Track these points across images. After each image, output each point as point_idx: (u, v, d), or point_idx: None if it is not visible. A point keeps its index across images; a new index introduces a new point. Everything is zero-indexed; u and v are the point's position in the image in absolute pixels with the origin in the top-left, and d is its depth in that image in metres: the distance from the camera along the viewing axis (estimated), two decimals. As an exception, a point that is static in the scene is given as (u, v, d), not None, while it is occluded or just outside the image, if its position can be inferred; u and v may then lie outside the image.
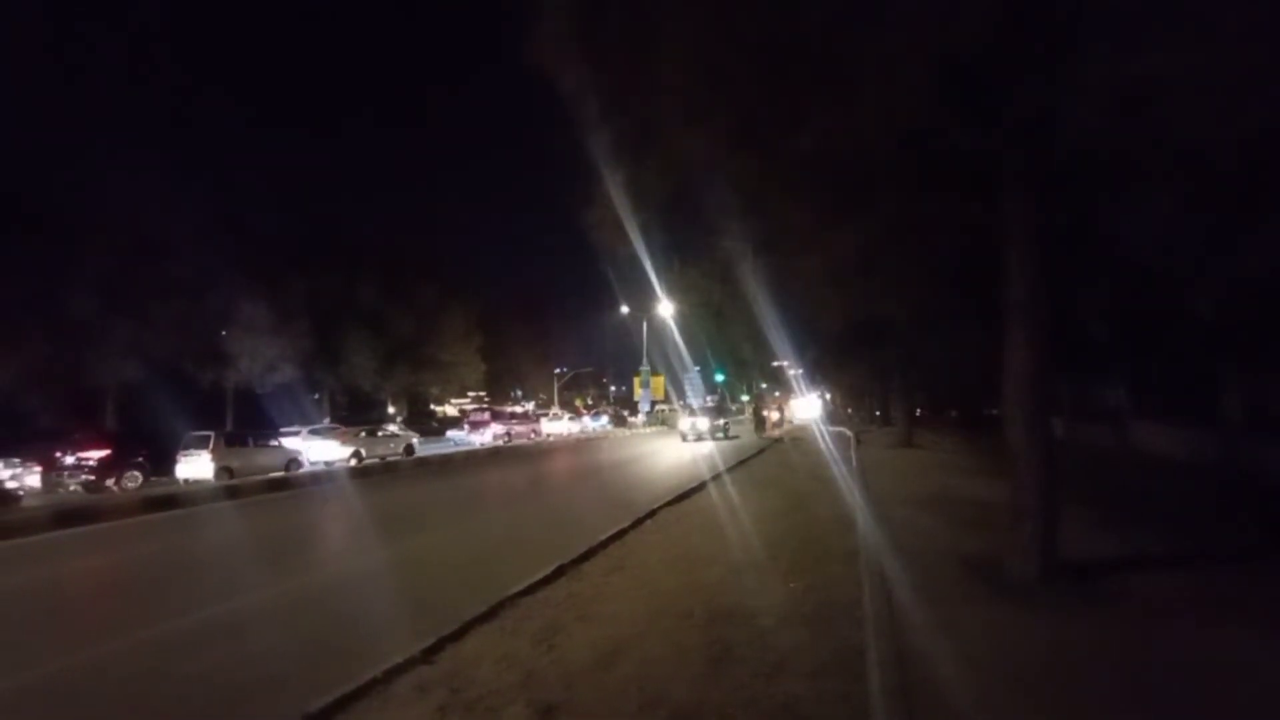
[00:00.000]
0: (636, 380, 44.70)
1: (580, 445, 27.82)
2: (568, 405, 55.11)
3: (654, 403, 45.94)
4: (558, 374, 54.75)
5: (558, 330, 55.10)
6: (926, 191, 5.74)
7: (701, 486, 11.51)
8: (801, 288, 10.28)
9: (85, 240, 24.23)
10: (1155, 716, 3.28)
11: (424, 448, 24.45)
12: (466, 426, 31.97)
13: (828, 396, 56.08)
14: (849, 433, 25.76)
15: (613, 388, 72.09)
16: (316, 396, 36.59)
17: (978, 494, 9.49)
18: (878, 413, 38.41)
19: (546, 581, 5.77)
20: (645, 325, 41.10)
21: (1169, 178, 4.97)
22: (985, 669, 3.72)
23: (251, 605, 5.79)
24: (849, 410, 50.17)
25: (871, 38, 4.40)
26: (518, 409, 42.76)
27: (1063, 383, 18.07)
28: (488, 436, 29.17)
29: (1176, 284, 7.40)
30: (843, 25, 4.48)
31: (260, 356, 29.17)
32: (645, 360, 42.99)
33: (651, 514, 8.95)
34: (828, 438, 22.87)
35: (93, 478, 16.33)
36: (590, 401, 64.49)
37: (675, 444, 24.20)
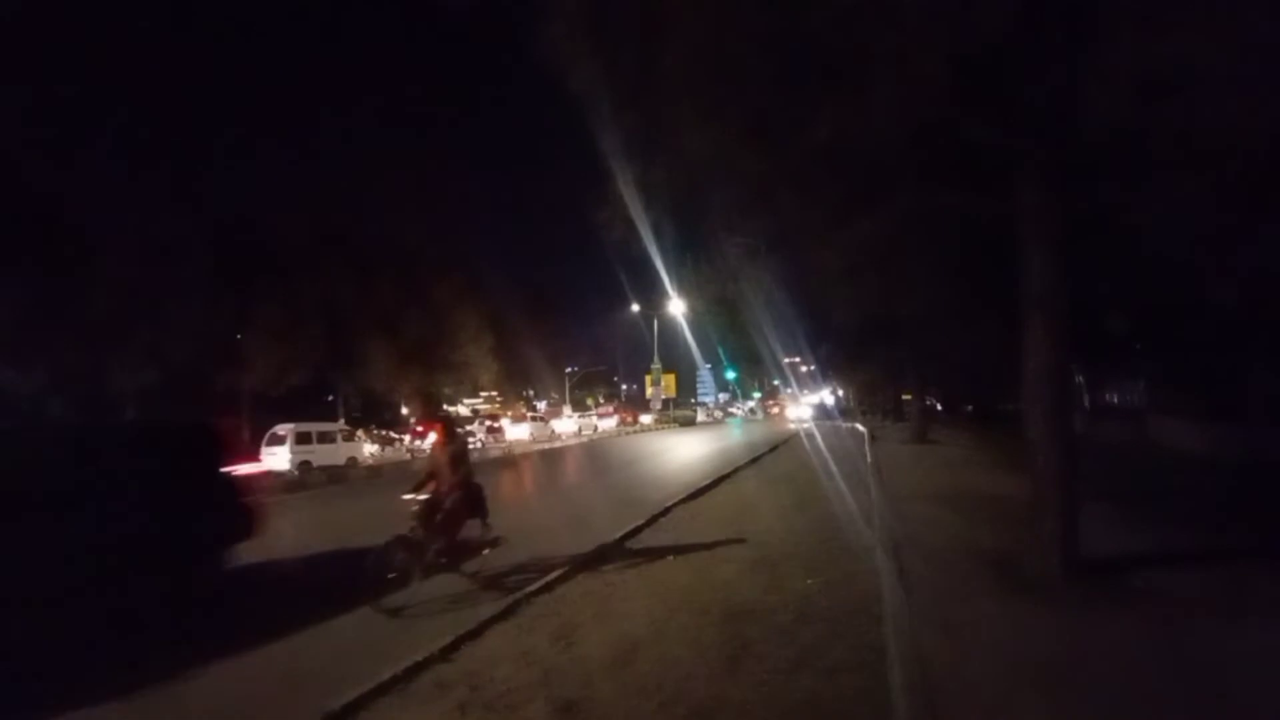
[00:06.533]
0: (648, 378, 44.75)
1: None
2: (579, 404, 55.34)
3: (666, 400, 47.78)
4: (569, 373, 54.76)
5: (569, 329, 55.04)
6: (942, 185, 5.67)
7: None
8: (815, 283, 10.20)
9: (103, 245, 24.60)
10: (1180, 714, 3.22)
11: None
12: (597, 413, 47.32)
13: (840, 393, 55.67)
14: (862, 428, 25.61)
15: (624, 386, 71.95)
16: (330, 398, 36.92)
17: (995, 489, 9.39)
18: (881, 416, 38.43)
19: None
20: (656, 323, 41.18)
21: (1192, 168, 4.87)
22: (1006, 666, 3.68)
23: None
24: (862, 409, 49.86)
25: (885, 29, 4.35)
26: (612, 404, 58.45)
27: (1082, 377, 17.83)
28: (612, 423, 44.41)
29: (1199, 276, 7.26)
30: (855, 17, 4.43)
31: (275, 359, 29.47)
32: (656, 358, 43.06)
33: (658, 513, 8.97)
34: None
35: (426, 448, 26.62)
36: (602, 400, 64.50)
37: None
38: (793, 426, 34.36)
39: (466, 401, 51.10)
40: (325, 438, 20.83)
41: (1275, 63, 3.80)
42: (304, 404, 31.68)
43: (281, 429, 19.99)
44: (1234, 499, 8.76)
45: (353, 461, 21.40)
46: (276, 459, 19.15)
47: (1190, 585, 4.99)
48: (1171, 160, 4.81)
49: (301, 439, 19.72)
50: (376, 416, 34.35)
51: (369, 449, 26.69)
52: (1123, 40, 3.99)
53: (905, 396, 30.24)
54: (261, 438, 20.89)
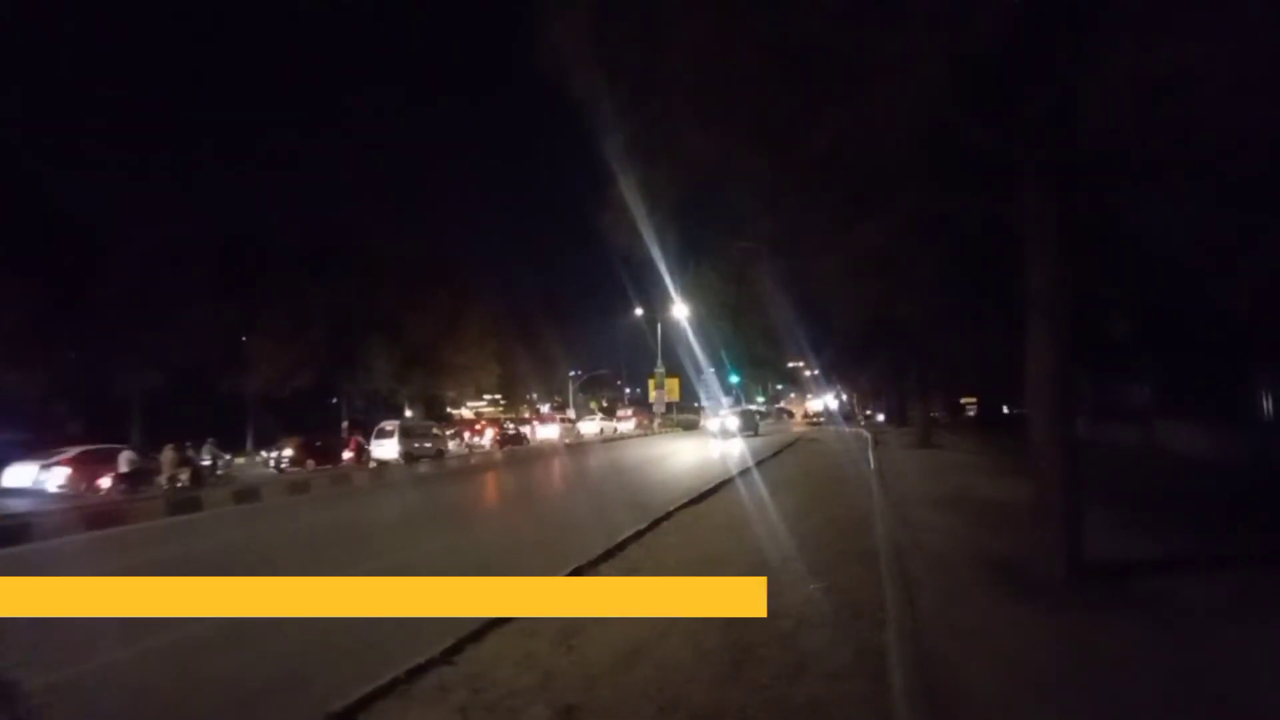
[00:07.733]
0: (651, 382, 44.82)
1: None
2: (583, 408, 55.51)
3: (669, 404, 48.07)
4: (572, 376, 54.81)
5: (573, 333, 55.32)
6: (944, 188, 5.67)
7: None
8: (818, 287, 10.22)
9: (109, 250, 24.71)
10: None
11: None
12: (617, 416, 50.88)
13: (844, 397, 55.62)
14: (866, 433, 25.56)
15: (627, 390, 71.91)
16: (334, 400, 37.02)
17: (1000, 494, 9.34)
18: (881, 416, 38.17)
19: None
20: (659, 327, 41.28)
21: (1194, 171, 4.86)
22: (1010, 672, 3.65)
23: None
24: (863, 414, 49.88)
25: (886, 34, 4.36)
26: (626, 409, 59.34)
27: (1086, 381, 17.74)
28: (631, 424, 47.02)
29: (1203, 278, 7.24)
30: (856, 22, 4.44)
31: (279, 363, 29.57)
32: (659, 362, 43.14)
33: (665, 517, 8.95)
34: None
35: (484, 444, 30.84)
36: (606, 404, 64.60)
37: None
38: (718, 446, 24.69)
39: (470, 404, 51.18)
40: (422, 432, 25.59)
41: (1275, 66, 3.79)
42: (308, 406, 31.75)
43: (389, 425, 24.30)
44: (1241, 503, 8.69)
45: (440, 453, 25.34)
46: (385, 450, 23.09)
47: (1197, 590, 4.95)
48: (1173, 164, 4.80)
49: (405, 433, 23.88)
50: (379, 418, 34.63)
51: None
52: (1123, 44, 3.99)
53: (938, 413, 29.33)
54: (262, 439, 23.72)
